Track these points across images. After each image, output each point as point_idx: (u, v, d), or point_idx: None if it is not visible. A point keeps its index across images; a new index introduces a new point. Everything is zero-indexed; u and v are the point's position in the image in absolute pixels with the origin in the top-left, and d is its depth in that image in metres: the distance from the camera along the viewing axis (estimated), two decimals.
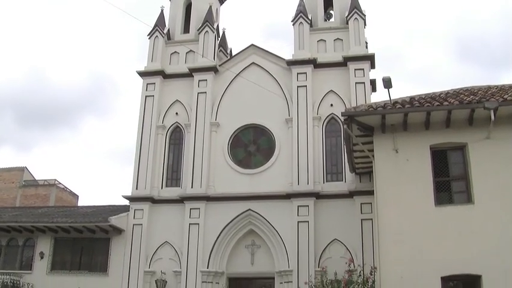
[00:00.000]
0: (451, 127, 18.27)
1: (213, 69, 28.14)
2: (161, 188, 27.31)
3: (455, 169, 18.47)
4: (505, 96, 17.96)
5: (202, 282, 24.68)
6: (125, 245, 26.12)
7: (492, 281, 16.67)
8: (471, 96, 18.52)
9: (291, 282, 23.87)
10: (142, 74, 29.16)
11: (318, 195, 25.00)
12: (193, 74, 28.28)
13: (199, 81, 28.11)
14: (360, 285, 21.14)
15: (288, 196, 25.16)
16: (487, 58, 70.55)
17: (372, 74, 27.44)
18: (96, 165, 78.88)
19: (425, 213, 17.66)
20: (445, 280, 17.23)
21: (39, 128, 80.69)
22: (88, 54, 79.39)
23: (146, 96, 28.64)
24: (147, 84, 28.86)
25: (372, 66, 27.38)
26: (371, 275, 20.85)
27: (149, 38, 29.91)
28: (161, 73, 28.80)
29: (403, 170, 18.12)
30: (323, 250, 24.33)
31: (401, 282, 17.08)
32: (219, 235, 25.35)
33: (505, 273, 16.67)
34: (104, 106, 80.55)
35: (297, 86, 26.91)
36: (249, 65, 28.25)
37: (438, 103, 17.86)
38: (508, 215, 17.27)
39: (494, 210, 17.39)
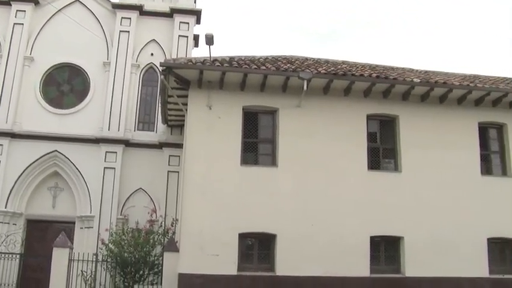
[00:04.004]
0: (265, 91, 18.88)
1: (33, 1, 26.38)
2: None
3: (264, 132, 19.17)
4: (319, 69, 18.95)
5: None
6: None
7: (286, 240, 17.88)
8: (288, 65, 19.24)
9: (92, 228, 23.49)
10: None
11: (127, 143, 24.69)
12: (11, 2, 26.31)
13: (16, 11, 26.11)
14: (161, 236, 21.45)
15: (97, 141, 24.53)
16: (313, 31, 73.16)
17: (201, 30, 27.40)
18: None
19: (230, 171, 18.17)
20: (243, 236, 17.96)
21: None
22: None
23: None
24: None
25: (198, 21, 27.28)
26: (172, 226, 21.29)
27: None
28: None
29: (214, 126, 18.42)
30: (127, 198, 24.19)
31: (201, 235, 17.51)
32: (21, 175, 24.03)
33: (298, 233, 17.97)
34: None
35: (120, 31, 26.08)
36: (73, 2, 26.70)
37: (256, 66, 18.29)
38: (306, 177, 18.50)
39: (295, 173, 18.47)
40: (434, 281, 18.65)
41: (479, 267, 19.18)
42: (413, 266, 18.68)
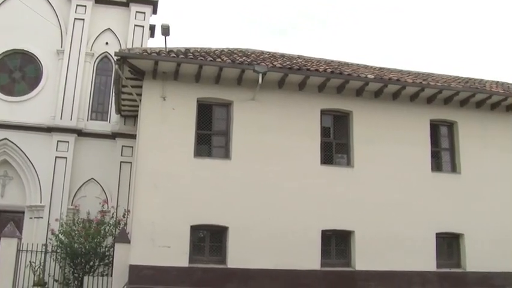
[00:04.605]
0: (220, 84, 18.83)
1: None
2: None
3: (218, 124, 19.13)
4: (275, 63, 18.99)
5: None
6: None
7: (237, 232, 17.99)
8: (243, 58, 19.22)
9: (42, 218, 23.08)
10: None
11: (80, 133, 24.30)
12: None
13: None
14: (112, 227, 21.30)
15: (48, 130, 24.08)
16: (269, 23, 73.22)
17: (158, 21, 27.17)
18: None
19: (183, 163, 18.09)
20: (195, 229, 17.95)
21: None
22: None
23: None
24: None
25: (155, 11, 27.01)
26: (124, 217, 21.17)
27: None
28: None
29: (168, 118, 18.30)
30: (79, 188, 23.85)
31: (152, 227, 17.41)
32: None
33: (250, 226, 18.08)
34: None
35: (75, 18, 25.59)
36: None
37: (211, 59, 18.21)
38: (260, 170, 18.58)
39: (248, 166, 18.52)
40: (384, 274, 18.97)
41: (427, 261, 19.60)
42: (363, 259, 18.95)
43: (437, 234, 19.93)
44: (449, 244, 20.50)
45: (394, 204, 19.54)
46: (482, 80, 23.97)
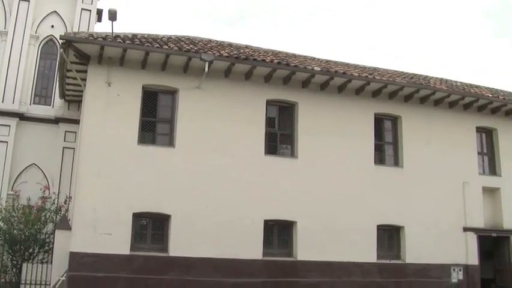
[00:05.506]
0: (166, 71, 18.68)
1: None
2: None
3: (163, 112, 19.00)
4: (222, 52, 18.94)
5: None
6: None
7: (180, 221, 17.94)
8: (191, 46, 19.13)
9: None
10: None
11: (22, 117, 23.66)
12: None
13: None
14: (53, 213, 20.94)
15: None
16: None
17: (105, 5, 26.71)
18: None
19: (126, 150, 17.90)
20: (137, 216, 17.82)
21: None
22: None
23: None
24: None
25: None
26: (65, 204, 20.84)
27: None
28: None
29: (113, 104, 18.05)
30: (19, 174, 23.23)
31: (94, 214, 17.19)
32: None
33: (192, 214, 18.07)
34: None
35: (19, 0, 25.11)
36: None
37: (158, 45, 18.06)
38: (204, 159, 18.55)
39: (192, 155, 18.48)
40: (325, 265, 19.23)
41: (368, 252, 19.98)
42: (305, 250, 19.15)
43: (378, 226, 20.31)
44: (389, 236, 20.91)
45: (337, 196, 19.79)
46: (427, 76, 24.49)
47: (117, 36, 18.17)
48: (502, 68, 67.09)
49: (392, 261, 20.43)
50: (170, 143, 18.60)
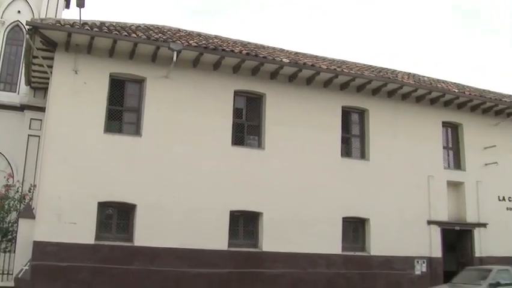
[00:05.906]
0: (134, 60, 18.54)
1: None
2: None
3: (130, 100, 18.87)
4: (191, 42, 18.87)
5: None
6: None
7: (145, 210, 17.86)
8: (159, 35, 19.00)
9: None
10: None
11: None
12: None
13: None
14: (17, 202, 20.70)
15: None
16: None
17: None
18: None
19: (93, 138, 17.74)
20: (102, 205, 17.70)
21: None
22: None
23: None
24: None
25: None
26: (30, 192, 20.60)
27: None
28: None
29: (79, 92, 17.84)
30: None
31: (59, 202, 17.00)
32: None
33: (158, 204, 18.00)
34: None
35: None
36: None
37: (126, 34, 17.90)
38: (170, 148, 18.47)
39: (159, 144, 18.38)
40: (290, 256, 19.35)
41: (333, 244, 20.17)
42: (270, 241, 19.22)
43: (343, 218, 20.49)
44: (355, 228, 21.11)
45: (303, 188, 19.89)
46: (395, 70, 24.67)
47: (85, 23, 17.97)
48: (498, 67, 67.88)
49: (357, 253, 20.63)
50: (137, 132, 18.48)
